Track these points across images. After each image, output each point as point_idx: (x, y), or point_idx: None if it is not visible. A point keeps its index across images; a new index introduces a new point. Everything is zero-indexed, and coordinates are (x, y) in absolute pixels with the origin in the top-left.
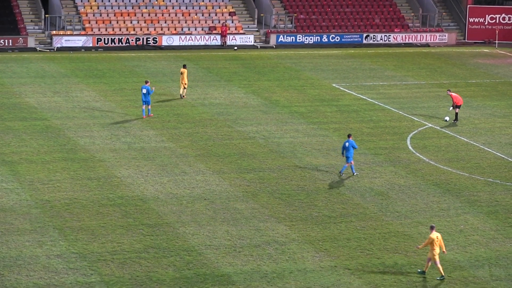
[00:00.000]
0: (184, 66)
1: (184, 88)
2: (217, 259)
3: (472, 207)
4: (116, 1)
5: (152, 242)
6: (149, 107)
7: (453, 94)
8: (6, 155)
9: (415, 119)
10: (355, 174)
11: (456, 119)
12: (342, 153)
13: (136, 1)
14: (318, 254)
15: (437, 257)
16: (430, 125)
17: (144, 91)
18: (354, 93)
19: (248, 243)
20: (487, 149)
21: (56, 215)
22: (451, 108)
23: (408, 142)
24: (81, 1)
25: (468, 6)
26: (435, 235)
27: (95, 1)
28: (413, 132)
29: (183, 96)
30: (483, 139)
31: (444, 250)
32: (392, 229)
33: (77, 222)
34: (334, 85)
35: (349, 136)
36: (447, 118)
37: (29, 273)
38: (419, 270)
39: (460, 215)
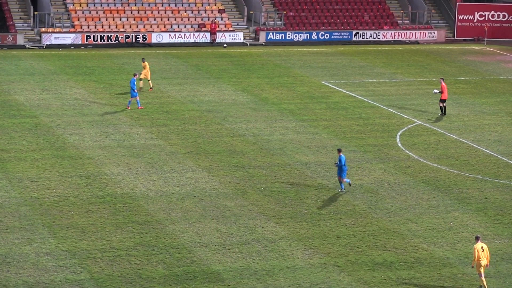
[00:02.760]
0: (144, 60)
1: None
2: (207, 256)
3: (462, 204)
4: None
5: (142, 239)
6: (131, 99)
7: (443, 84)
8: None
9: (405, 116)
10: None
11: (443, 113)
12: (336, 164)
13: None
14: (308, 251)
15: (482, 269)
16: (420, 122)
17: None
18: (344, 91)
19: (237, 241)
20: (476, 146)
21: (46, 213)
22: (436, 91)
23: (398, 139)
24: None
25: (457, 3)
26: (479, 245)
27: None
28: (403, 129)
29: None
30: (472, 136)
31: (488, 263)
32: (382, 226)
33: (66, 220)
34: (323, 82)
35: (339, 151)
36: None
37: (19, 271)
38: None
39: (449, 212)
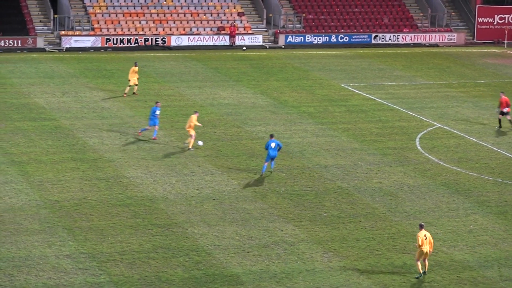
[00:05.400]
0: (136, 64)
1: (136, 84)
2: (226, 259)
3: (482, 207)
4: (125, 1)
5: (161, 242)
6: (148, 127)
7: (503, 97)
8: (15, 156)
9: (424, 119)
10: (263, 173)
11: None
12: (266, 148)
13: (145, 1)
14: (327, 255)
15: (422, 256)
16: (439, 125)
17: (157, 112)
18: (363, 93)
19: (257, 243)
20: (496, 149)
21: (65, 215)
22: (498, 109)
23: (417, 142)
24: (90, 1)
25: (477, 6)
26: (422, 233)
27: (104, 1)
28: (422, 132)
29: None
30: (492, 139)
31: (431, 250)
32: (401, 230)
33: (86, 222)
34: (342, 85)
35: (271, 136)
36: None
37: (38, 273)
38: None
39: (469, 215)
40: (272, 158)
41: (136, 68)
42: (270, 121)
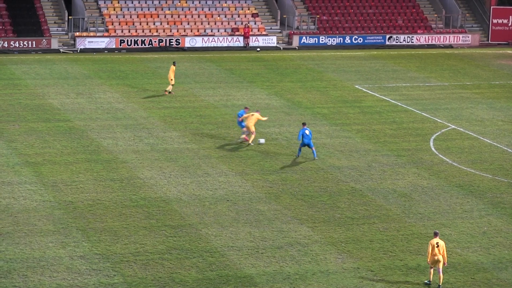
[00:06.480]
0: (174, 63)
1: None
2: (240, 260)
3: (496, 209)
4: (139, 2)
5: (175, 243)
6: (244, 129)
7: None
8: (29, 156)
9: (438, 120)
10: (316, 158)
11: None
12: (299, 138)
13: (159, 3)
14: (341, 256)
15: (440, 265)
16: (453, 126)
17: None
18: (377, 95)
19: (270, 245)
20: (510, 150)
21: (79, 216)
22: None
23: (431, 143)
24: (104, 2)
25: (491, 7)
26: (434, 241)
27: (118, 2)
28: (436, 134)
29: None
30: (506, 140)
31: (445, 261)
32: (415, 231)
33: (100, 223)
34: (356, 86)
35: (304, 124)
36: None
37: (52, 274)
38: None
39: (483, 217)
40: (306, 145)
41: (174, 67)
42: (284, 122)
